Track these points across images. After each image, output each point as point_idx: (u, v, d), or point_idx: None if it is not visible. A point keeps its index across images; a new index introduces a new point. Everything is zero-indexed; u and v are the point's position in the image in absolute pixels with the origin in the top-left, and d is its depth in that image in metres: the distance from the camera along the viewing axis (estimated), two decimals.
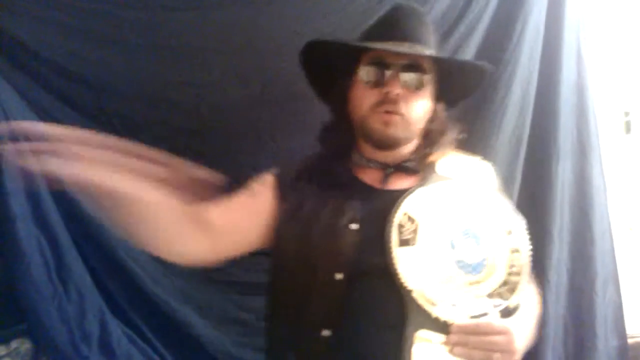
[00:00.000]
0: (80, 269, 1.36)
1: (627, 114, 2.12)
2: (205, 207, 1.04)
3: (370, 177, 1.08)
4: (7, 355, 1.27)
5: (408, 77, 1.03)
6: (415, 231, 0.95)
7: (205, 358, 1.43)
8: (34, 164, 0.85)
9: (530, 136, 1.59)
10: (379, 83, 1.03)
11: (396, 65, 1.03)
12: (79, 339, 1.28)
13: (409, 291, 0.90)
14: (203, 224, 1.02)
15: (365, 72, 1.05)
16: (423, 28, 1.09)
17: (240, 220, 1.07)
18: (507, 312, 0.91)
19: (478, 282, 0.93)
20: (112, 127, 1.46)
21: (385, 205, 0.99)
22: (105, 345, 1.32)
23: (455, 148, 1.15)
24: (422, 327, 0.88)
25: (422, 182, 1.04)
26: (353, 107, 1.09)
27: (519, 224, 1.00)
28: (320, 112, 1.18)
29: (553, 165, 1.56)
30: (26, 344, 1.29)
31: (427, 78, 1.06)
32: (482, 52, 1.58)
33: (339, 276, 0.94)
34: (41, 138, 0.82)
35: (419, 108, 1.05)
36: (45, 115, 1.40)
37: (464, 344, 0.86)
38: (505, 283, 0.93)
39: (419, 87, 1.04)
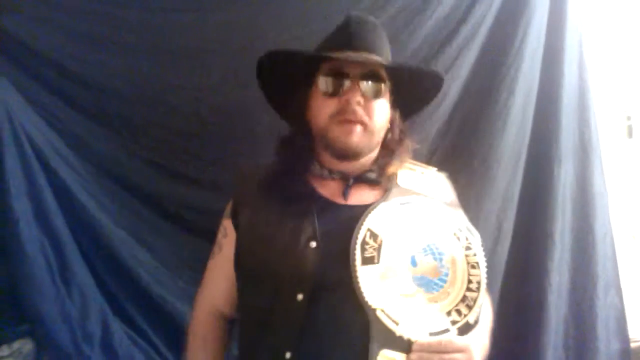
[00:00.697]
0: (83, 270, 1.37)
1: (629, 118, 2.12)
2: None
3: (330, 190, 1.07)
4: (10, 355, 1.27)
5: (367, 85, 1.03)
6: (378, 248, 0.94)
7: None
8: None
9: (532, 139, 1.59)
10: (337, 92, 1.03)
11: (355, 74, 1.03)
12: (81, 339, 1.28)
13: (373, 310, 0.89)
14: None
15: (324, 82, 1.05)
16: (378, 38, 1.10)
17: (231, 280, 1.09)
18: (466, 328, 0.91)
19: (438, 299, 0.93)
20: (113, 128, 1.47)
21: (345, 222, 0.98)
22: (108, 346, 1.32)
23: (412, 158, 1.17)
24: (386, 346, 0.88)
25: (384, 197, 1.04)
26: (313, 117, 1.08)
27: (476, 240, 1.01)
28: None
29: (555, 168, 1.56)
30: (28, 345, 1.29)
31: (385, 87, 1.06)
32: (484, 55, 1.58)
33: (300, 296, 0.93)
34: None
35: (379, 116, 1.05)
36: (47, 116, 1.41)
37: None
38: (464, 299, 0.93)
39: (377, 95, 1.05)
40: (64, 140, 1.43)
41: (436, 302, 0.92)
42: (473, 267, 0.97)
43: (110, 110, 1.47)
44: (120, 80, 1.46)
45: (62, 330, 1.27)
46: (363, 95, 1.03)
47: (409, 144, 1.14)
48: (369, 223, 0.97)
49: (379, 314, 0.89)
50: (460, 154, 1.57)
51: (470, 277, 0.95)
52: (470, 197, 1.48)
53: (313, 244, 0.96)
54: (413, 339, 0.88)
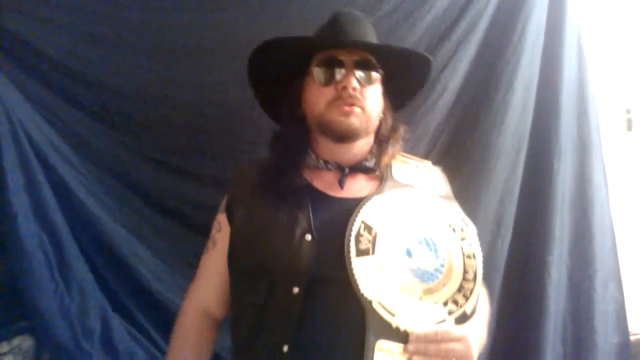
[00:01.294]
0: (82, 267, 1.37)
1: (628, 111, 2.12)
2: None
3: (325, 181, 1.08)
4: (10, 352, 1.27)
5: (360, 73, 1.05)
6: (373, 240, 0.95)
7: None
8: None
9: (532, 133, 1.59)
10: (333, 80, 1.05)
11: (348, 62, 1.05)
12: (81, 335, 1.28)
13: (369, 302, 0.89)
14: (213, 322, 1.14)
15: (319, 72, 1.07)
16: (366, 29, 1.11)
17: (223, 276, 1.09)
18: (463, 318, 0.92)
19: (434, 290, 0.93)
20: (114, 126, 1.47)
21: (340, 214, 0.99)
22: (107, 342, 1.32)
23: (408, 150, 1.18)
24: (382, 337, 0.88)
25: (378, 189, 1.05)
26: (308, 107, 1.09)
27: (471, 231, 1.01)
28: None
29: (554, 162, 1.56)
30: (28, 341, 1.29)
31: (377, 75, 1.08)
32: (483, 49, 1.58)
33: (295, 290, 0.93)
34: None
35: (374, 102, 1.08)
36: (47, 113, 1.41)
37: (423, 353, 0.87)
38: (460, 289, 0.94)
39: (371, 82, 1.07)
40: (64, 137, 1.42)
41: (432, 292, 0.93)
42: (469, 257, 0.97)
43: (111, 108, 1.47)
44: (121, 78, 1.46)
45: (61, 326, 1.26)
46: (358, 82, 1.04)
47: (402, 133, 1.16)
48: (363, 215, 0.98)
49: (374, 305, 0.89)
50: (460, 149, 1.57)
51: (467, 268, 0.96)
52: (470, 192, 1.48)
53: (308, 237, 0.97)
54: (409, 329, 0.88)
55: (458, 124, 1.59)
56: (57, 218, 1.33)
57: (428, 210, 1.03)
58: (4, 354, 1.27)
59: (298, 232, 0.97)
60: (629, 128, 2.11)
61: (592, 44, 1.67)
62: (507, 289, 1.54)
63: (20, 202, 1.26)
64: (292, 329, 0.92)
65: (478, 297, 0.94)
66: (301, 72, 1.11)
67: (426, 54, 1.17)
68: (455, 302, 0.92)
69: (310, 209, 1.00)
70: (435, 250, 0.96)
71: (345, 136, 1.06)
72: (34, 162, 1.31)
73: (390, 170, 1.11)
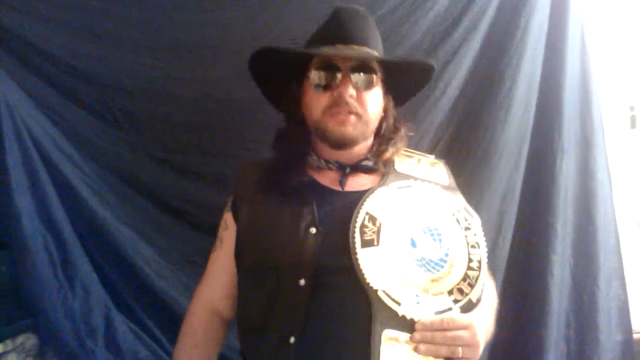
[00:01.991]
0: (86, 265, 1.37)
1: (632, 108, 2.11)
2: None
3: (327, 179, 1.09)
4: (13, 350, 1.27)
5: (358, 77, 1.05)
6: (377, 231, 0.96)
7: None
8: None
9: (534, 131, 1.58)
10: (330, 86, 1.05)
11: (345, 67, 1.04)
12: (85, 334, 1.28)
13: (375, 291, 0.90)
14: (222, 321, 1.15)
15: (316, 76, 1.06)
16: (367, 28, 1.11)
17: (231, 274, 1.10)
18: (469, 307, 0.92)
19: (440, 279, 0.94)
20: (117, 124, 1.47)
21: (344, 207, 0.99)
22: (111, 341, 1.32)
23: (411, 147, 1.19)
24: (389, 326, 0.88)
25: (382, 182, 1.05)
26: (307, 111, 1.10)
27: (475, 220, 1.02)
28: None
29: (557, 159, 1.55)
30: (32, 340, 1.29)
31: (376, 77, 1.07)
32: (485, 46, 1.58)
33: (302, 282, 0.94)
34: None
35: (372, 106, 1.07)
36: (50, 112, 1.41)
37: (429, 341, 0.87)
38: (465, 278, 0.94)
39: (369, 86, 1.06)
40: (67, 135, 1.42)
41: (437, 281, 0.93)
42: (473, 246, 0.98)
43: (113, 106, 1.46)
44: (123, 75, 1.46)
45: (65, 325, 1.26)
46: (355, 87, 1.04)
47: (404, 130, 1.16)
48: (368, 207, 0.99)
49: (380, 294, 0.90)
50: (463, 145, 1.57)
51: (471, 256, 0.97)
52: (473, 189, 1.48)
53: (313, 230, 0.98)
54: (416, 318, 0.89)
55: (461, 121, 1.58)
56: (61, 217, 1.33)
57: (431, 201, 1.03)
58: (8, 352, 1.27)
59: (303, 225, 0.98)
60: (633, 125, 2.11)
61: (595, 41, 1.67)
62: (510, 287, 1.54)
63: (23, 201, 1.26)
64: (298, 320, 0.93)
65: (483, 286, 0.95)
66: (300, 73, 1.11)
67: (429, 62, 1.17)
68: (461, 291, 0.93)
69: (314, 203, 1.01)
70: (440, 240, 0.97)
71: (342, 144, 1.06)
72: (37, 161, 1.31)
73: (393, 164, 1.12)
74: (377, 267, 0.92)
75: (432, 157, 1.21)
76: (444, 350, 0.87)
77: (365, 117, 1.06)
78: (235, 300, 1.10)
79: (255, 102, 1.27)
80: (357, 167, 1.10)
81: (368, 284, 0.90)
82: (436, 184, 1.08)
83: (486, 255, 0.98)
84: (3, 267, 1.29)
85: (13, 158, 1.26)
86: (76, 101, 1.44)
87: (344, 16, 1.10)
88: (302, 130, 1.11)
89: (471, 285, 0.94)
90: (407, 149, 1.19)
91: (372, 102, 1.07)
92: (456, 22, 1.55)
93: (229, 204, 1.15)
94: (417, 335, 0.88)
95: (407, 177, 1.08)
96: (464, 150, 1.56)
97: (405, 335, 0.88)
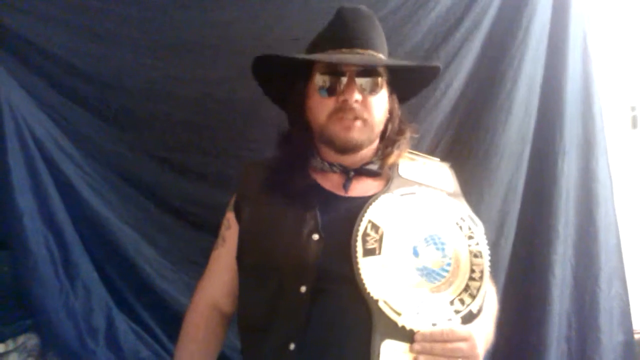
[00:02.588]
0: (87, 265, 1.37)
1: (633, 108, 2.11)
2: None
3: (331, 182, 1.08)
4: (15, 350, 1.27)
5: (363, 81, 1.03)
6: (380, 240, 0.95)
7: None
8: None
9: (536, 131, 1.58)
10: (335, 90, 1.03)
11: (351, 71, 1.03)
12: (86, 334, 1.29)
13: (375, 301, 0.90)
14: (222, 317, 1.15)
15: (320, 81, 1.05)
16: (372, 30, 1.09)
17: (232, 273, 1.10)
18: (470, 317, 0.91)
19: (441, 289, 0.93)
20: (117, 124, 1.47)
21: (347, 214, 0.98)
22: (112, 340, 1.33)
23: (412, 148, 1.17)
24: (388, 336, 0.88)
25: (385, 188, 1.04)
26: (311, 115, 1.08)
27: (479, 229, 1.01)
28: None
29: (559, 160, 1.55)
30: (33, 340, 1.30)
31: (382, 80, 1.06)
32: (487, 47, 1.58)
33: (303, 289, 0.93)
34: None
35: (378, 110, 1.06)
36: (51, 112, 1.41)
37: (428, 352, 0.87)
38: (467, 288, 0.94)
39: (375, 90, 1.05)
40: (68, 135, 1.42)
41: (439, 291, 0.93)
42: (476, 256, 0.97)
43: (114, 105, 1.46)
44: (124, 75, 1.46)
45: (66, 324, 1.27)
46: (361, 91, 1.03)
47: (409, 133, 1.15)
48: (370, 215, 0.98)
49: (381, 304, 0.89)
50: (464, 146, 1.56)
51: (473, 267, 0.96)
52: (474, 190, 1.48)
53: (315, 237, 0.97)
54: (415, 329, 0.88)
55: (462, 122, 1.58)
56: (62, 217, 1.34)
57: (435, 209, 1.02)
58: (9, 352, 1.27)
59: (305, 231, 0.97)
60: (634, 126, 2.10)
61: (597, 41, 1.66)
62: (511, 288, 1.54)
63: (25, 201, 1.26)
64: (299, 327, 0.92)
65: (485, 296, 0.94)
66: (305, 75, 1.10)
67: (436, 65, 1.16)
68: (462, 301, 0.92)
69: (318, 208, 1.00)
70: (442, 249, 0.96)
71: (347, 150, 1.05)
72: (39, 161, 1.32)
73: (397, 169, 1.11)
74: (378, 276, 0.91)
75: (437, 160, 1.20)
76: None
77: (371, 121, 1.04)
78: (236, 298, 1.10)
79: (257, 101, 1.27)
80: (361, 171, 1.09)
81: (368, 293, 0.90)
82: (441, 190, 1.07)
83: (489, 265, 0.97)
84: (5, 267, 1.30)
85: (15, 158, 1.27)
86: (77, 101, 1.44)
87: (348, 17, 1.08)
88: (306, 133, 1.10)
89: (472, 296, 0.93)
90: (412, 151, 1.19)
91: (377, 106, 1.06)
92: (458, 22, 1.55)
93: (232, 203, 1.14)
94: (416, 346, 0.87)
95: (412, 183, 1.07)
96: (465, 151, 1.55)
97: (405, 346, 0.88)
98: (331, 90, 1.04)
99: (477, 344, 0.89)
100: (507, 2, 1.57)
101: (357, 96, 1.01)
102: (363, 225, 0.96)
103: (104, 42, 1.44)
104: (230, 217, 1.13)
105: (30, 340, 1.30)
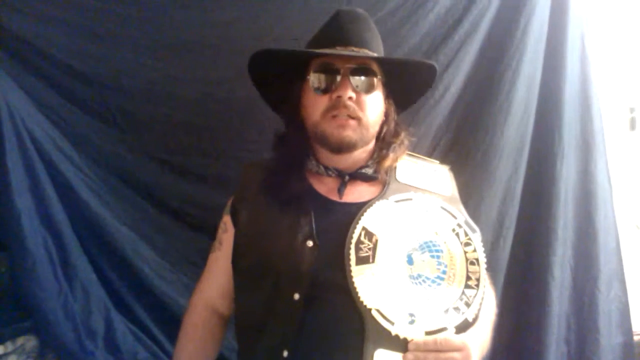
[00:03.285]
0: (86, 267, 1.37)
1: (632, 110, 2.11)
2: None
3: (327, 186, 1.07)
4: (13, 352, 1.27)
5: (358, 80, 1.03)
6: (374, 248, 0.94)
7: None
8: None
9: (534, 132, 1.58)
10: (329, 88, 1.03)
11: (345, 69, 1.03)
12: (85, 335, 1.29)
13: (368, 310, 0.89)
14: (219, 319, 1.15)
15: (315, 79, 1.05)
16: (368, 31, 1.09)
17: (229, 276, 1.10)
18: (465, 326, 0.90)
19: (436, 297, 0.92)
20: (117, 125, 1.47)
21: (342, 220, 0.98)
22: (111, 342, 1.33)
23: (410, 150, 1.17)
24: (381, 345, 0.87)
25: (380, 194, 1.03)
26: (306, 114, 1.08)
27: (476, 236, 1.00)
28: None
29: (557, 162, 1.55)
30: (32, 341, 1.29)
31: (377, 80, 1.06)
32: (485, 48, 1.58)
33: (296, 296, 0.93)
34: None
35: (373, 110, 1.05)
36: (50, 113, 1.41)
37: None
38: (462, 297, 0.92)
39: (369, 89, 1.04)
40: (67, 136, 1.42)
41: (433, 300, 0.91)
42: (472, 263, 0.96)
43: (113, 106, 1.46)
44: (123, 76, 1.46)
45: (65, 326, 1.27)
46: (355, 90, 1.03)
47: (405, 136, 1.14)
48: (364, 222, 0.97)
49: (374, 313, 0.89)
50: (462, 147, 1.56)
51: (470, 274, 0.95)
52: (472, 191, 1.48)
53: (310, 243, 0.96)
54: (409, 338, 0.87)
55: (460, 123, 1.58)
56: (61, 218, 1.33)
57: (431, 215, 1.01)
58: (8, 353, 1.27)
59: (300, 237, 0.97)
60: (633, 127, 2.11)
61: (595, 43, 1.66)
62: (510, 289, 1.54)
63: (23, 202, 1.26)
64: (292, 334, 0.92)
65: (481, 305, 0.93)
66: (300, 74, 1.09)
67: (431, 62, 1.15)
68: (457, 310, 0.91)
69: (312, 214, 1.00)
70: (438, 257, 0.95)
71: (341, 149, 1.05)
72: (37, 162, 1.31)
73: (394, 172, 1.10)
74: (371, 285, 0.90)
75: (436, 162, 1.19)
76: None
77: (365, 121, 1.04)
78: (233, 300, 1.10)
79: (257, 102, 1.27)
80: (357, 176, 1.08)
81: (362, 302, 0.89)
82: (438, 195, 1.06)
83: (485, 272, 0.96)
84: (3, 269, 1.30)
85: (13, 159, 1.26)
86: (76, 102, 1.44)
87: (345, 18, 1.08)
88: (301, 134, 1.10)
89: (468, 304, 0.92)
90: (411, 153, 1.18)
91: (372, 106, 1.05)
92: (456, 24, 1.55)
93: (229, 206, 1.14)
94: (409, 356, 0.86)
95: (408, 188, 1.06)
96: (464, 152, 1.55)
97: (398, 356, 0.87)
98: (325, 89, 1.04)
99: (472, 353, 0.88)
100: (506, 3, 1.57)
101: (350, 93, 1.01)
102: (357, 233, 0.95)
103: (103, 43, 1.44)
104: (227, 220, 1.13)
105: (29, 341, 1.30)
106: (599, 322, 1.54)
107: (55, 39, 1.41)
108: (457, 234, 0.99)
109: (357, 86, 1.03)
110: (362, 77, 1.03)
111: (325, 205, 1.03)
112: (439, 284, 0.93)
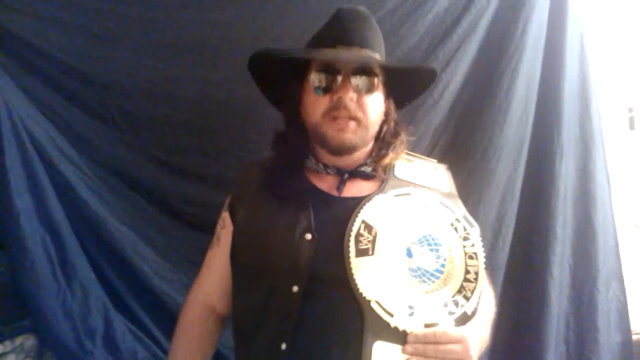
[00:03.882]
0: (85, 266, 1.37)
1: (630, 109, 2.11)
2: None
3: (326, 183, 1.07)
4: (12, 351, 1.27)
5: (359, 80, 1.03)
6: (373, 240, 0.94)
7: None
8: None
9: (534, 132, 1.58)
10: (330, 89, 1.03)
11: (346, 70, 1.02)
12: (83, 334, 1.29)
13: (367, 302, 0.89)
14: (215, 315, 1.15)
15: (315, 79, 1.05)
16: (369, 31, 1.08)
17: (227, 272, 1.10)
18: (464, 319, 0.91)
19: (435, 290, 0.92)
20: (116, 125, 1.47)
21: (341, 214, 0.98)
22: (110, 341, 1.33)
23: (409, 149, 1.17)
24: (380, 337, 0.88)
25: (380, 188, 1.04)
26: (306, 114, 1.08)
27: (474, 230, 1.00)
28: None
29: (556, 161, 1.55)
30: (31, 340, 1.30)
31: (378, 80, 1.05)
32: (484, 48, 1.58)
33: (295, 288, 0.93)
34: None
35: (373, 111, 1.05)
36: (50, 113, 1.41)
37: (420, 354, 0.87)
38: (461, 290, 0.93)
39: (370, 90, 1.04)
40: (66, 136, 1.43)
41: (432, 293, 0.92)
42: (471, 257, 0.96)
43: (113, 106, 1.47)
44: (123, 76, 1.46)
45: (64, 325, 1.27)
46: (355, 90, 1.02)
47: (405, 135, 1.14)
48: (364, 215, 0.97)
49: (373, 305, 0.89)
50: (461, 147, 1.56)
51: (468, 268, 0.95)
52: (472, 190, 1.48)
53: (308, 236, 0.97)
54: (408, 330, 0.88)
55: (460, 123, 1.58)
56: (60, 217, 1.34)
57: (430, 209, 1.02)
58: (7, 353, 1.27)
59: (298, 231, 0.97)
60: (632, 127, 2.11)
61: (595, 42, 1.66)
62: (509, 288, 1.54)
63: (22, 201, 1.27)
64: (290, 327, 0.92)
65: (479, 298, 0.93)
66: (301, 73, 1.09)
67: (432, 67, 1.15)
68: (456, 303, 0.92)
69: (311, 208, 1.00)
70: (437, 250, 0.95)
71: (341, 151, 1.05)
72: (36, 162, 1.32)
73: (393, 169, 1.10)
74: (371, 277, 0.91)
75: (434, 161, 1.20)
76: None
77: (365, 121, 1.03)
78: (230, 297, 1.10)
79: (257, 102, 1.27)
80: (356, 173, 1.08)
81: (361, 294, 0.89)
82: (436, 191, 1.07)
83: (484, 266, 0.96)
84: (2, 268, 1.30)
85: (12, 159, 1.27)
86: (76, 102, 1.45)
87: (346, 17, 1.07)
88: (301, 133, 1.10)
89: (467, 298, 0.92)
90: (409, 153, 1.18)
91: (372, 107, 1.05)
92: (455, 23, 1.55)
93: (227, 203, 1.14)
94: (408, 348, 0.87)
95: (407, 183, 1.06)
96: (463, 152, 1.56)
97: (397, 348, 0.87)
98: (326, 89, 1.03)
99: (471, 346, 0.88)
100: (505, 3, 1.57)
101: (351, 94, 1.01)
102: (356, 226, 0.95)
103: (103, 43, 1.45)
104: (225, 216, 1.13)
105: (27, 341, 1.30)
106: (598, 322, 1.55)
107: (55, 39, 1.41)
108: (456, 229, 1.00)
109: (357, 86, 1.03)
110: (363, 78, 1.03)
111: (325, 199, 1.04)
112: (437, 277, 0.93)
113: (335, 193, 1.05)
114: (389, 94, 1.12)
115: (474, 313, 0.92)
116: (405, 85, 1.15)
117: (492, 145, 1.53)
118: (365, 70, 1.04)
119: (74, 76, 1.43)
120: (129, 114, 1.47)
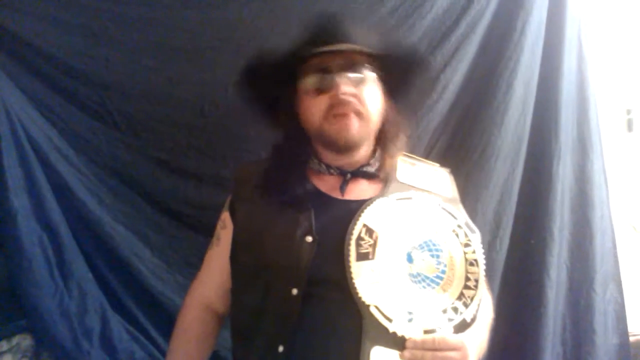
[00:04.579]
0: (82, 265, 1.37)
1: (629, 111, 2.11)
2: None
3: (328, 184, 1.07)
4: (9, 351, 1.27)
5: (351, 75, 1.03)
6: (374, 244, 0.94)
7: None
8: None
9: (532, 133, 1.58)
10: (325, 88, 1.03)
11: (338, 67, 1.02)
12: (80, 335, 1.28)
13: (367, 306, 0.89)
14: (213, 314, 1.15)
15: (309, 82, 1.05)
16: (351, 26, 1.08)
17: (226, 273, 1.10)
18: (463, 326, 0.90)
19: (435, 296, 0.92)
20: (115, 125, 1.47)
21: (342, 217, 0.98)
22: (107, 341, 1.33)
23: (409, 150, 1.17)
24: (379, 343, 0.87)
25: (381, 192, 1.04)
26: (306, 118, 1.07)
27: (476, 237, 1.00)
28: None
29: (554, 163, 1.55)
30: (27, 340, 1.29)
31: (372, 75, 1.05)
32: (483, 49, 1.58)
33: (294, 291, 0.93)
34: None
35: (372, 102, 1.05)
36: (48, 113, 1.41)
37: None
38: (461, 297, 0.93)
39: (363, 82, 1.04)
40: (64, 136, 1.42)
41: (432, 299, 0.91)
42: (471, 264, 0.96)
43: (111, 107, 1.46)
44: (122, 76, 1.46)
45: (60, 325, 1.27)
46: (350, 84, 1.02)
47: (405, 135, 1.14)
48: (365, 218, 0.97)
49: (372, 310, 0.88)
50: (460, 148, 1.57)
51: (468, 275, 0.95)
52: (469, 191, 1.48)
53: (309, 239, 0.96)
54: (406, 336, 0.87)
55: (458, 124, 1.59)
56: (57, 217, 1.33)
57: (432, 214, 1.01)
58: (3, 352, 1.27)
59: (299, 233, 0.97)
60: (630, 128, 2.11)
61: (593, 44, 1.67)
62: (506, 290, 1.54)
63: (20, 201, 1.26)
64: (288, 329, 0.92)
65: (479, 305, 0.93)
66: (292, 87, 1.09)
67: (418, 49, 1.16)
68: (455, 310, 0.91)
69: (312, 211, 1.00)
70: (437, 256, 0.95)
71: (346, 148, 1.05)
72: (34, 162, 1.32)
73: (395, 172, 1.10)
74: (370, 281, 0.90)
75: (437, 165, 1.19)
76: None
77: (366, 113, 1.03)
78: (229, 297, 1.10)
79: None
80: (358, 174, 1.08)
81: (360, 298, 0.89)
82: (438, 195, 1.06)
83: (484, 273, 0.96)
84: None
85: (9, 158, 1.27)
86: (74, 102, 1.44)
87: (326, 19, 1.08)
88: (302, 138, 1.09)
89: (466, 305, 0.92)
90: (412, 156, 1.18)
91: (370, 99, 1.04)
92: (454, 25, 1.55)
93: (227, 203, 1.14)
94: (407, 354, 0.86)
95: (409, 187, 1.06)
96: (461, 153, 1.56)
97: (395, 353, 0.87)
98: (321, 90, 1.03)
99: (469, 353, 0.88)
100: (503, 4, 1.57)
101: (346, 88, 1.01)
102: (357, 229, 0.95)
103: (102, 44, 1.44)
104: (225, 217, 1.13)
105: (24, 340, 1.30)
106: (595, 323, 1.55)
107: (55, 39, 1.41)
108: (457, 235, 0.99)
109: (351, 80, 1.02)
110: (355, 71, 1.03)
111: (326, 202, 1.03)
112: (438, 284, 0.93)
113: (336, 194, 1.05)
114: (388, 92, 1.11)
115: (473, 320, 0.92)
116: (402, 80, 1.15)
117: (490, 146, 1.54)
118: (356, 64, 1.04)
119: (73, 76, 1.43)
120: (128, 115, 1.47)
